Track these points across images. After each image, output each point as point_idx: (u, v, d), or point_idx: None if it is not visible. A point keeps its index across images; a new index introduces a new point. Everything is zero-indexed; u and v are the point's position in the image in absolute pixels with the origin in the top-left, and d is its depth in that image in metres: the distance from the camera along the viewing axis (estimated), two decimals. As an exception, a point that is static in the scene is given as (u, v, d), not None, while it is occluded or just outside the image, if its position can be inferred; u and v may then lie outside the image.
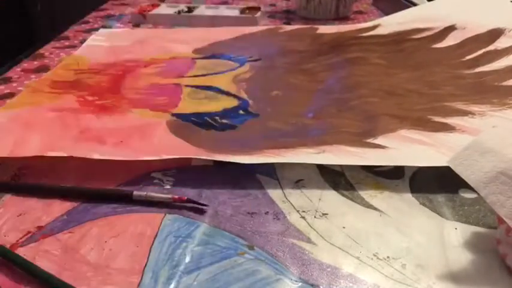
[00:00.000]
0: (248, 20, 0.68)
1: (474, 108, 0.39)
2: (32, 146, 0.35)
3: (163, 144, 0.36)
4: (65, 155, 0.34)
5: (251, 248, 0.27)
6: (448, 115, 0.38)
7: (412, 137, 0.35)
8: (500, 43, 0.51)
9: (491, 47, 0.50)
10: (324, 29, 0.62)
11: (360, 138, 0.36)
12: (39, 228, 0.29)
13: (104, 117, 0.41)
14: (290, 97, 0.45)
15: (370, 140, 0.35)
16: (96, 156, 0.33)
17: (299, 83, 0.47)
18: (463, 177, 0.25)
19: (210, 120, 0.40)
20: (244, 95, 0.45)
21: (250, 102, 0.43)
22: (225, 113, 0.42)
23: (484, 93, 0.42)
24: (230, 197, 0.31)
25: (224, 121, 0.40)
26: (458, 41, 0.53)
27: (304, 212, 0.30)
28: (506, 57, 0.48)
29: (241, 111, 0.42)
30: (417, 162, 0.33)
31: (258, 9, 0.72)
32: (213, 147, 0.35)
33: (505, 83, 0.43)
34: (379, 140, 0.35)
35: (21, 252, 0.27)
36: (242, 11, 0.71)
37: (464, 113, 0.39)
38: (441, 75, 0.47)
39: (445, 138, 0.35)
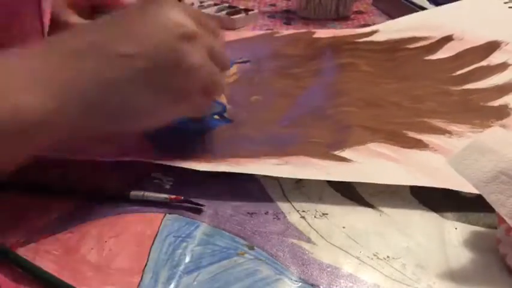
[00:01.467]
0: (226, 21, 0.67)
1: (453, 127, 0.38)
2: None
3: (128, 146, 0.36)
4: (73, 157, 0.33)
5: (251, 248, 0.27)
6: (424, 132, 0.37)
7: (380, 151, 0.35)
8: (494, 58, 0.50)
9: (483, 63, 0.49)
10: (321, 33, 0.62)
11: (328, 150, 0.35)
12: (39, 228, 0.29)
13: None
14: (269, 103, 0.44)
15: (337, 153, 0.34)
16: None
17: (282, 88, 0.47)
18: (463, 177, 0.25)
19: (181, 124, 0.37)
20: (223, 100, 0.44)
21: (228, 107, 0.42)
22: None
23: (466, 112, 0.41)
24: (230, 197, 0.31)
25: (197, 125, 0.38)
26: (453, 53, 0.52)
27: (304, 211, 0.30)
28: (498, 75, 0.47)
29: (216, 116, 0.40)
30: (379, 180, 0.32)
31: (247, 10, 0.71)
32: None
33: (490, 103, 0.42)
34: (346, 153, 0.34)
35: (21, 252, 0.26)
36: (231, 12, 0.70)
37: (442, 132, 0.37)
38: (427, 89, 0.45)
39: (414, 156, 0.34)
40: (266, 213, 0.30)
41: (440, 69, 0.50)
